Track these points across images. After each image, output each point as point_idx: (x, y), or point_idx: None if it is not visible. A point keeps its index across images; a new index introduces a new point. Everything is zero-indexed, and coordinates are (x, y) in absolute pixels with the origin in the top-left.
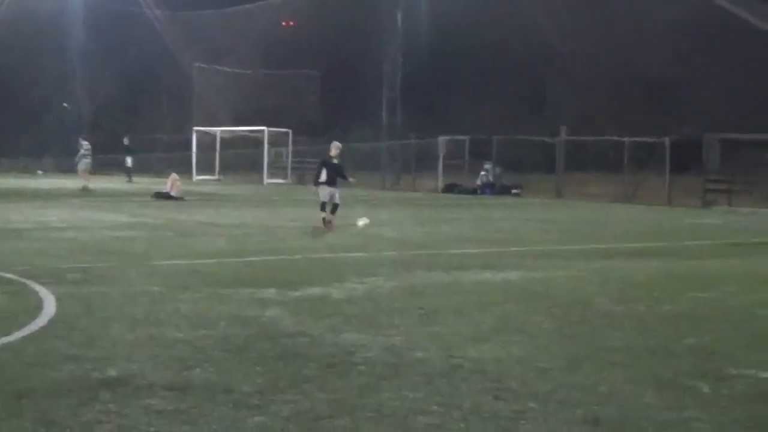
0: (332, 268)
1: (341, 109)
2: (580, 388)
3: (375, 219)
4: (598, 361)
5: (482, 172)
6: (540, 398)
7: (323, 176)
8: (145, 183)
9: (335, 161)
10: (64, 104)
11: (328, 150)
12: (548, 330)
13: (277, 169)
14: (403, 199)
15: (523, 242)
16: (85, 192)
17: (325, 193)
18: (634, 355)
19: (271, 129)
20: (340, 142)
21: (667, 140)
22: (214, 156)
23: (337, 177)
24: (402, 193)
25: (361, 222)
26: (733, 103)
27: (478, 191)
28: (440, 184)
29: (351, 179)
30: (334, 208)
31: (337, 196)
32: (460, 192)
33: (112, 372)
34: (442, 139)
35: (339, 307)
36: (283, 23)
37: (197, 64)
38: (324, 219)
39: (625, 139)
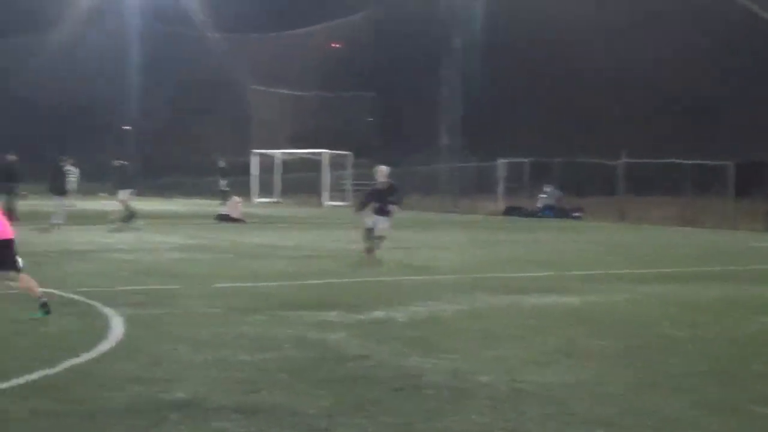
0: (394, 291)
1: (399, 131)
2: (646, 413)
3: (435, 242)
4: (663, 386)
5: (543, 195)
6: (606, 423)
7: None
8: (207, 206)
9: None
10: (125, 127)
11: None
12: (611, 354)
13: (337, 191)
14: (463, 221)
15: (584, 266)
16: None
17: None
18: (699, 381)
19: (330, 151)
20: (389, 166)
21: (731, 164)
22: (275, 179)
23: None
24: (462, 216)
25: None
26: None
27: (539, 214)
28: (500, 206)
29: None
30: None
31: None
32: (521, 215)
33: (180, 394)
34: (502, 162)
35: (403, 330)
36: (332, 45)
37: (254, 87)
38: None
39: (688, 161)
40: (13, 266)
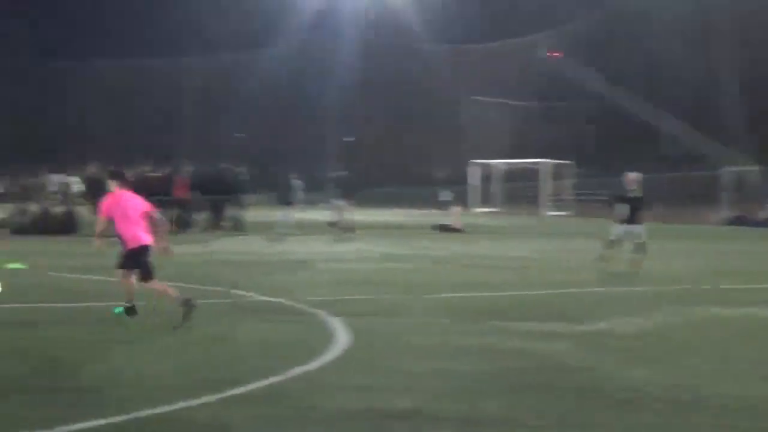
0: (616, 302)
1: (619, 140)
2: None
3: (660, 253)
4: None
5: None
6: None
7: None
8: (426, 216)
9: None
10: (346, 138)
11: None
12: None
13: (558, 201)
14: (687, 232)
15: None
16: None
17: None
18: None
19: (550, 161)
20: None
21: None
22: (493, 188)
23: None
24: (685, 226)
25: None
26: None
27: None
28: (724, 216)
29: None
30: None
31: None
32: (746, 224)
33: (403, 404)
34: (727, 170)
35: (628, 341)
36: (551, 54)
37: (472, 97)
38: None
39: None
40: (149, 272)
